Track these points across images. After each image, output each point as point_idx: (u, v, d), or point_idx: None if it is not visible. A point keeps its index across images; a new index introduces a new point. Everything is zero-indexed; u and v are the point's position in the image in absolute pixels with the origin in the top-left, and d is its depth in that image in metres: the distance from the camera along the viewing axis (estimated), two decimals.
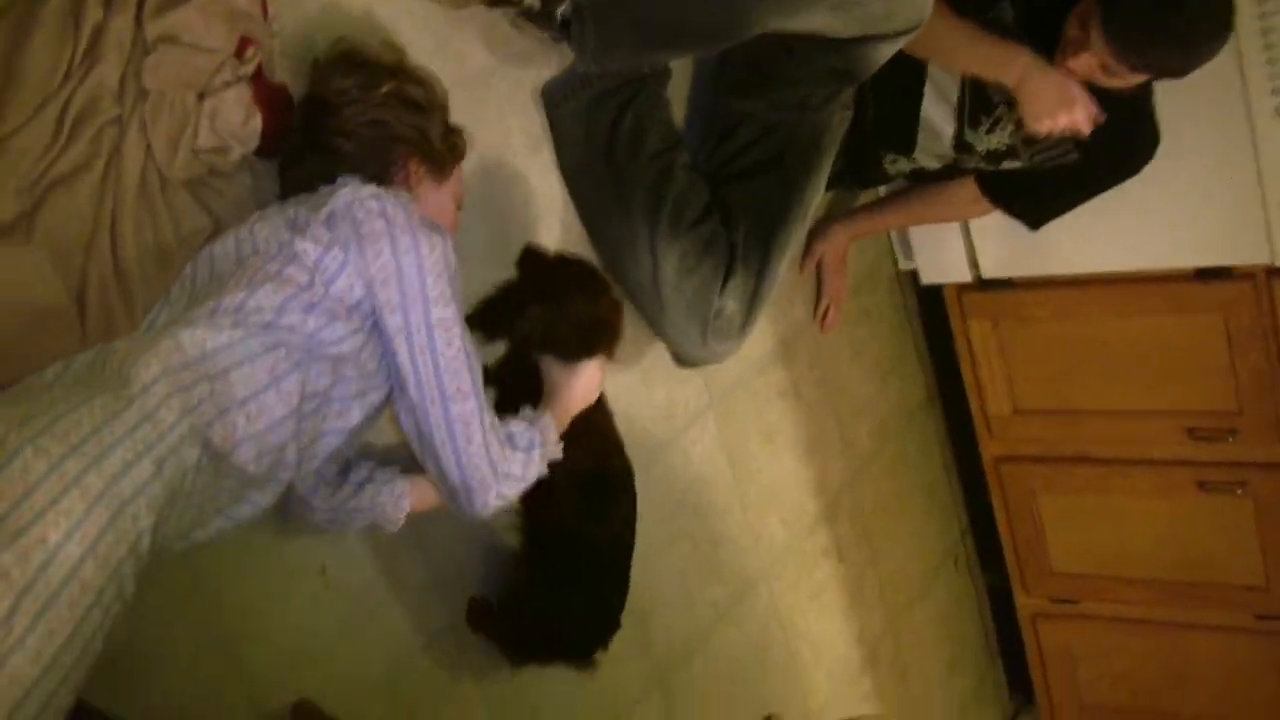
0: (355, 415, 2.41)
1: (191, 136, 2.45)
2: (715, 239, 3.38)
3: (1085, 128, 3.22)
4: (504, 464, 2.47)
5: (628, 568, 3.23)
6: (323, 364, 2.29)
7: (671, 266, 3.27)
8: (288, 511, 2.64)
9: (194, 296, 2.34)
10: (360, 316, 2.34)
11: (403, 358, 2.36)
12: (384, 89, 2.53)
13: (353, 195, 2.35)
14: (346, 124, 2.52)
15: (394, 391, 2.45)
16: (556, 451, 2.70)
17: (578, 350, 2.90)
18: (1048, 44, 3.25)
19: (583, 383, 2.89)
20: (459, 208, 2.77)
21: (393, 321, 2.34)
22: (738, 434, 3.93)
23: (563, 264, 3.10)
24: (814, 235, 4.15)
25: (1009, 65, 3.24)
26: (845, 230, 4.12)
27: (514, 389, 2.92)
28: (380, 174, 2.53)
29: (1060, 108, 3.19)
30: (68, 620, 1.84)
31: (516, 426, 2.60)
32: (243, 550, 2.74)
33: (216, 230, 2.55)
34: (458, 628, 3.18)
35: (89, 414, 1.96)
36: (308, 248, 2.29)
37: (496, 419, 2.51)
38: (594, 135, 3.28)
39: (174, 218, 2.49)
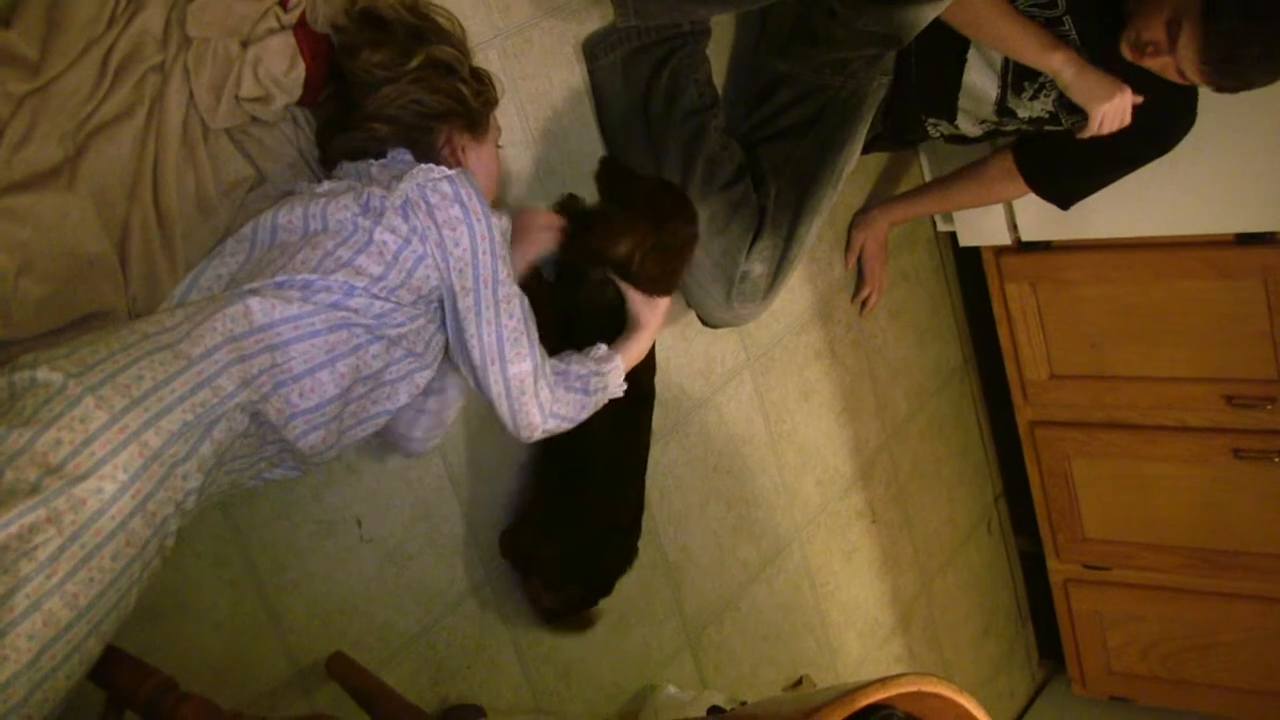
0: (402, 397, 2.43)
1: (235, 84, 2.45)
2: (745, 201, 3.37)
3: (1129, 119, 3.20)
4: (554, 405, 2.55)
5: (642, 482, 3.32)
6: (379, 345, 2.31)
7: (700, 226, 3.26)
8: (406, 449, 2.76)
9: (253, 259, 2.36)
10: (426, 303, 2.40)
11: (470, 333, 2.43)
12: (414, 63, 2.52)
13: (425, 179, 2.36)
14: (385, 108, 2.52)
15: (454, 353, 2.50)
16: (618, 390, 2.75)
17: (668, 281, 2.96)
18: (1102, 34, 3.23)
19: (660, 318, 2.95)
20: (499, 147, 2.78)
21: (465, 303, 2.41)
22: (774, 393, 3.93)
23: (659, 186, 3.09)
24: (854, 225, 4.16)
25: (1050, 54, 3.21)
26: (885, 217, 4.12)
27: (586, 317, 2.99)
28: (426, 150, 2.56)
29: (1108, 102, 3.17)
30: (109, 571, 1.85)
31: (577, 367, 2.65)
32: (279, 504, 2.76)
33: (259, 180, 2.55)
34: (494, 583, 3.18)
35: (150, 369, 1.97)
36: (387, 240, 2.32)
37: (550, 365, 2.56)
38: (631, 90, 3.27)
39: (216, 166, 2.49)
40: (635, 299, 2.93)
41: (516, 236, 2.79)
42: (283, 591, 2.80)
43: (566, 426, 2.60)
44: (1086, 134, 3.27)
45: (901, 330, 4.43)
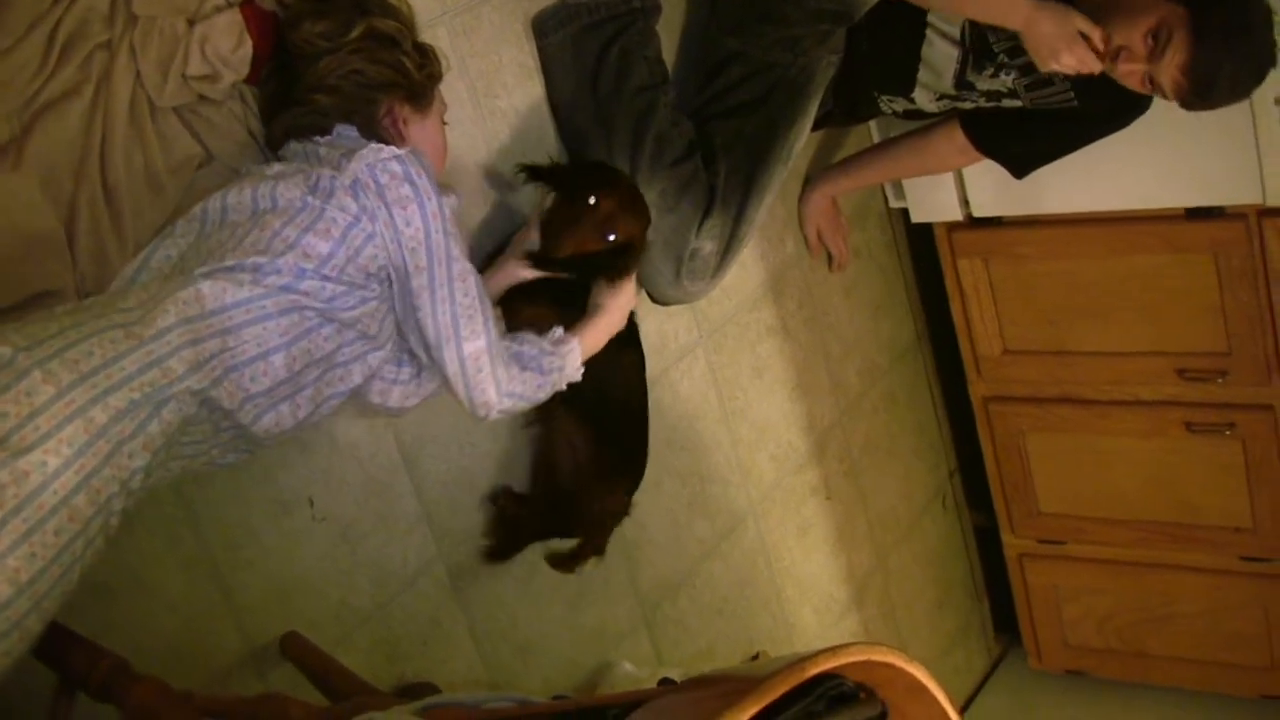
0: (356, 377, 2.44)
1: (182, 63, 2.44)
2: (695, 179, 3.37)
3: (1094, 67, 3.19)
4: (510, 384, 2.57)
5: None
6: (331, 328, 2.30)
7: (650, 203, 3.27)
8: (379, 412, 2.74)
9: (203, 240, 2.34)
10: (378, 282, 2.39)
11: (424, 312, 2.44)
12: (355, 33, 2.51)
13: (374, 159, 2.37)
14: (326, 78, 2.52)
15: (406, 333, 2.51)
16: (576, 375, 2.77)
17: (624, 270, 2.98)
18: None
19: (622, 303, 2.98)
20: (445, 124, 2.78)
21: (418, 282, 2.42)
22: (727, 369, 3.93)
23: (609, 177, 3.10)
24: (802, 204, 4.15)
25: (1013, 9, 3.21)
26: (829, 190, 4.12)
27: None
28: (367, 122, 2.57)
29: (1066, 46, 3.17)
30: (51, 546, 1.84)
31: (529, 347, 2.66)
32: (232, 484, 2.75)
33: (207, 158, 2.55)
34: (447, 560, 3.19)
35: (100, 346, 1.97)
36: (336, 218, 2.32)
37: (504, 344, 2.58)
38: (581, 67, 3.27)
39: (164, 145, 2.48)
40: (598, 287, 2.95)
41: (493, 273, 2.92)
42: (236, 571, 2.79)
43: (523, 406, 2.63)
44: (1049, 68, 3.25)
45: (854, 306, 4.44)
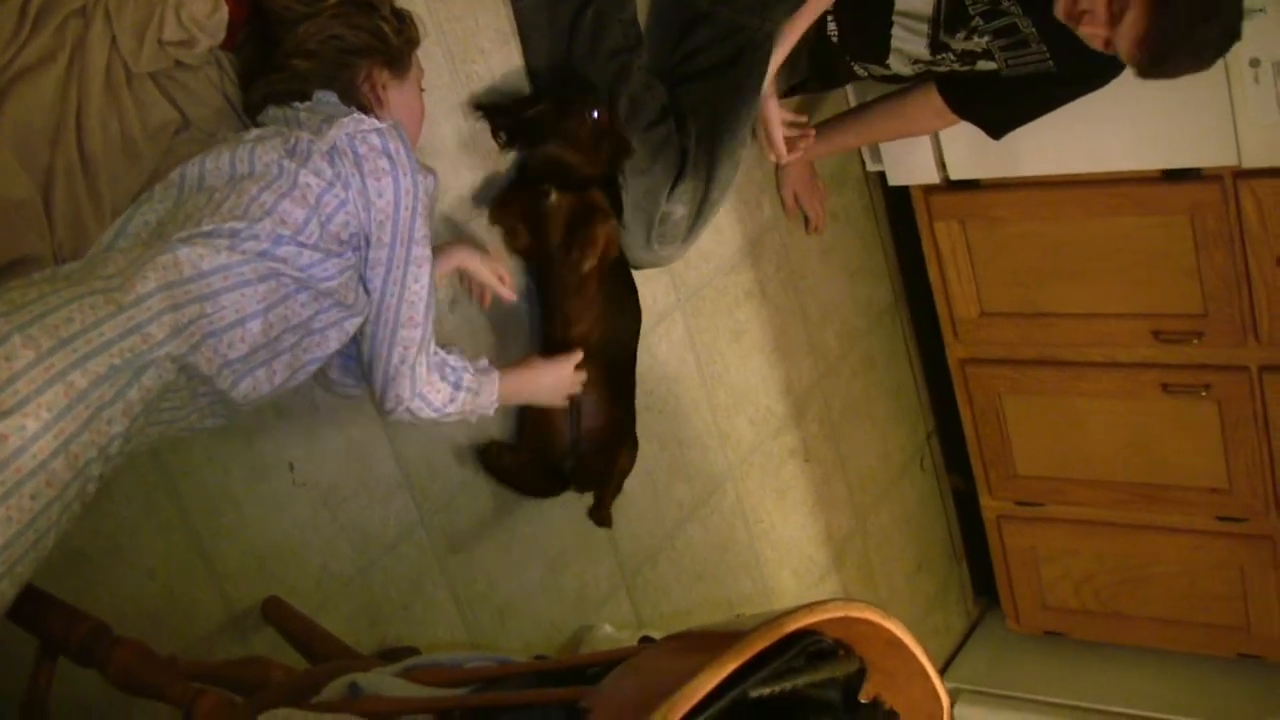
0: (333, 343, 2.43)
1: (157, 28, 2.42)
2: (668, 142, 3.38)
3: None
4: (425, 389, 2.55)
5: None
6: (307, 294, 2.30)
7: (623, 168, 3.27)
8: (329, 388, 2.74)
9: (181, 205, 2.34)
10: (351, 250, 2.39)
11: (374, 285, 2.45)
12: None
13: (355, 129, 2.38)
14: (303, 43, 2.52)
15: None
16: (487, 410, 2.75)
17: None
18: None
19: (552, 376, 3.08)
20: (422, 90, 2.78)
21: (376, 254, 2.42)
22: (705, 334, 3.94)
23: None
24: (778, 172, 4.15)
25: None
26: (806, 154, 4.11)
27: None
28: (346, 88, 2.57)
29: None
30: (27, 510, 1.84)
31: (455, 360, 2.65)
32: (210, 449, 2.75)
33: (184, 124, 2.54)
34: (428, 525, 3.19)
35: (79, 312, 1.97)
36: (310, 183, 2.32)
37: (437, 348, 2.59)
38: (556, 30, 3.26)
39: (140, 111, 2.47)
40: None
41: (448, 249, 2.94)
42: (216, 536, 2.80)
43: (425, 415, 2.60)
44: None
45: (832, 270, 4.45)
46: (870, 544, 4.82)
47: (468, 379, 2.65)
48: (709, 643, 1.49)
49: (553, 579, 3.54)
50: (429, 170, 2.53)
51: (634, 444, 3.50)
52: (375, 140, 2.37)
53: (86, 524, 2.09)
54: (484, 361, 2.78)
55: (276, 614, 2.85)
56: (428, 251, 2.48)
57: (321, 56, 2.52)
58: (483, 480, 3.34)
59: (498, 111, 3.15)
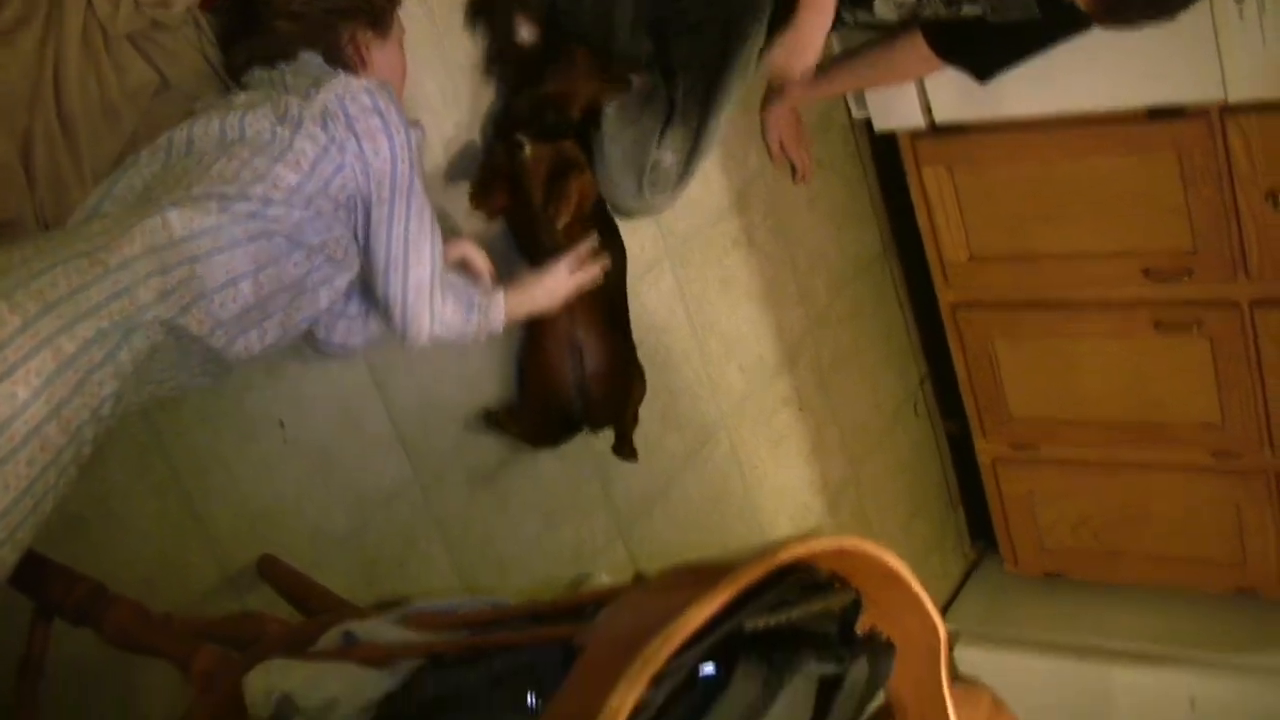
0: (323, 301, 2.43)
1: None
2: (655, 92, 3.38)
3: None
4: (442, 313, 2.60)
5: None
6: (300, 253, 2.30)
7: (610, 117, 3.27)
8: (319, 348, 2.74)
9: (169, 170, 2.32)
10: (346, 210, 2.39)
11: (379, 240, 2.46)
12: None
13: (344, 90, 2.37)
14: (288, 4, 2.52)
15: (359, 253, 2.49)
16: (497, 326, 2.79)
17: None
18: None
19: (549, 285, 3.02)
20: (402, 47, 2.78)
21: (379, 213, 2.43)
22: (694, 283, 3.93)
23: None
24: (764, 116, 4.14)
25: None
26: (791, 102, 4.09)
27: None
28: (330, 49, 2.56)
29: None
30: (24, 477, 1.84)
31: (463, 283, 2.71)
32: (201, 409, 2.75)
33: (164, 85, 2.53)
34: (422, 481, 3.19)
35: (65, 276, 1.96)
36: (305, 148, 2.31)
37: (447, 273, 2.62)
38: None
39: (119, 73, 2.46)
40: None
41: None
42: (208, 497, 2.80)
43: (449, 338, 2.66)
44: None
45: (820, 217, 4.44)
46: (865, 491, 4.82)
47: (479, 298, 2.70)
48: (701, 576, 1.49)
49: (549, 533, 3.54)
50: (416, 123, 2.52)
51: (641, 372, 3.54)
52: (366, 100, 2.36)
53: (79, 487, 2.07)
54: (487, 281, 2.87)
55: (272, 571, 2.85)
56: (425, 197, 2.50)
57: (306, 18, 2.52)
58: (476, 436, 3.34)
59: (495, 32, 3.16)
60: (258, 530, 2.89)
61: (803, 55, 3.42)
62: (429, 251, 2.51)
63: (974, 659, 4.88)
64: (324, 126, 2.33)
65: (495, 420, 3.36)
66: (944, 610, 5.22)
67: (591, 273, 3.11)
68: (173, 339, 2.12)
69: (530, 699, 1.70)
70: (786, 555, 1.52)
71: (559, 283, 3.04)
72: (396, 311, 2.54)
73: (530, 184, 3.15)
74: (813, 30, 3.37)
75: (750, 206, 4.11)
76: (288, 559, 2.89)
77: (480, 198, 3.22)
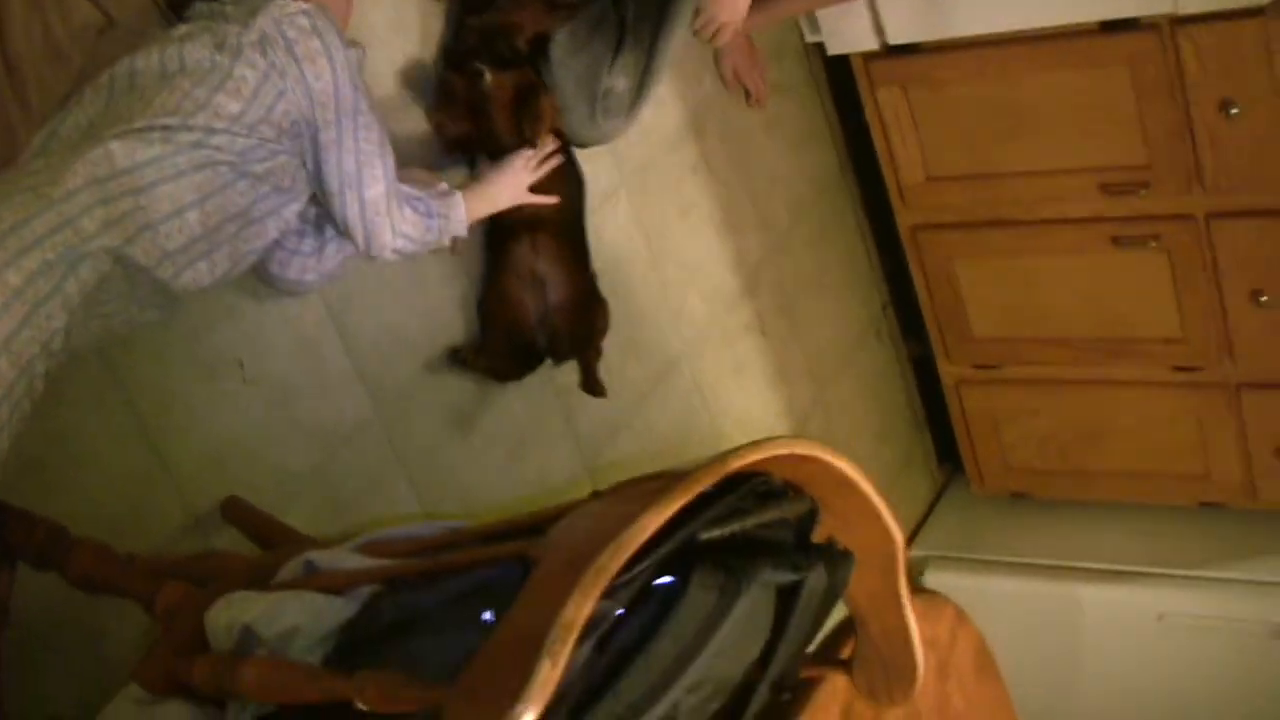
0: (272, 231, 2.43)
1: None
2: (605, 17, 3.35)
3: None
4: (403, 225, 2.62)
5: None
6: (245, 182, 2.29)
7: (560, 44, 3.25)
8: (272, 283, 2.77)
9: (112, 105, 2.31)
10: (290, 138, 2.39)
11: (330, 163, 2.46)
12: None
13: (280, 14, 2.36)
14: None
15: (310, 180, 2.50)
16: (460, 229, 2.83)
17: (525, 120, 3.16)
18: None
19: (508, 179, 3.07)
20: None
21: (327, 135, 2.43)
22: (652, 210, 3.92)
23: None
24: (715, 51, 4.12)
25: None
26: (744, 27, 4.07)
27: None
28: None
29: None
30: None
31: (419, 192, 2.71)
32: (157, 349, 2.74)
33: (108, 23, 2.51)
34: (383, 416, 3.19)
35: (8, 210, 1.96)
36: (245, 75, 2.30)
37: (401, 188, 2.63)
38: None
39: (63, 13, 2.45)
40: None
41: None
42: (169, 437, 2.79)
43: (412, 249, 2.68)
44: None
45: (776, 142, 4.42)
46: (831, 415, 4.83)
47: (436, 205, 2.72)
48: (654, 486, 1.50)
49: (514, 465, 3.54)
50: (356, 43, 2.53)
51: (604, 303, 3.53)
52: (304, 21, 2.36)
53: (37, 429, 2.08)
54: (443, 185, 2.86)
55: (236, 513, 2.84)
56: (372, 114, 2.51)
57: None
58: (438, 370, 3.34)
59: None
60: (221, 469, 2.88)
61: (734, 5, 3.43)
62: (381, 168, 2.53)
63: (944, 582, 4.90)
64: (263, 52, 2.32)
65: (459, 357, 3.35)
66: (913, 534, 5.24)
67: (552, 164, 3.13)
68: (120, 270, 2.12)
69: (488, 615, 1.71)
70: (739, 462, 1.53)
71: (520, 176, 3.07)
72: (357, 231, 2.55)
73: (494, 110, 3.14)
74: None
75: (706, 132, 4.10)
76: (252, 499, 2.89)
77: (443, 126, 3.21)
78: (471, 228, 2.93)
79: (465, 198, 2.86)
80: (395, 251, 2.63)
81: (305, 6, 2.38)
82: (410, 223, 2.62)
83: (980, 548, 5.13)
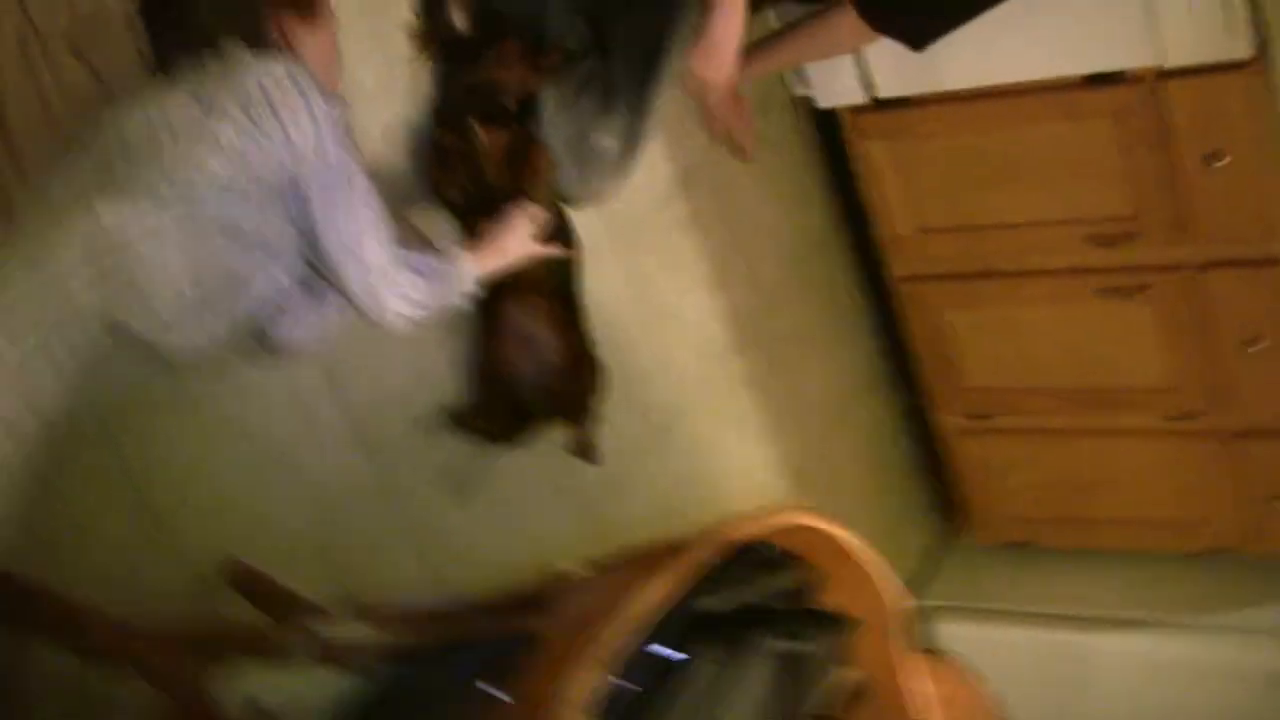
0: (262, 289, 2.45)
1: None
2: (593, 76, 3.38)
3: None
4: (404, 288, 2.57)
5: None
6: (233, 242, 2.30)
7: (548, 103, 3.27)
8: (272, 348, 2.75)
9: (99, 166, 2.32)
10: (278, 196, 2.38)
11: (326, 230, 2.44)
12: None
13: (263, 72, 2.37)
14: None
15: (306, 248, 2.49)
16: (468, 284, 2.79)
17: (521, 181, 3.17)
18: None
19: (513, 241, 3.02)
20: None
21: (316, 196, 2.41)
22: (644, 267, 3.95)
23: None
24: (703, 101, 4.12)
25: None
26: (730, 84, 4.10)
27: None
28: (253, 36, 2.53)
29: None
30: None
31: (423, 255, 2.69)
32: (153, 413, 2.75)
33: (99, 83, 2.54)
34: (381, 477, 3.20)
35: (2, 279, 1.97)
36: (229, 132, 2.31)
37: (402, 252, 2.59)
38: None
39: (55, 74, 2.49)
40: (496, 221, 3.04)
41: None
42: (167, 500, 2.81)
43: (421, 314, 2.63)
44: None
45: (766, 196, 4.43)
46: (829, 468, 4.82)
47: (436, 264, 2.69)
48: (653, 558, 1.51)
49: (512, 525, 3.54)
50: (339, 98, 2.53)
51: (597, 363, 3.54)
52: (286, 81, 2.37)
53: (36, 492, 2.09)
54: (443, 243, 2.89)
55: (237, 575, 2.85)
56: (361, 174, 2.49)
57: (224, 5, 2.51)
58: (434, 431, 3.35)
59: (428, 19, 3.19)
60: (220, 531, 2.89)
61: (720, 62, 3.47)
62: (378, 233, 2.51)
63: (952, 633, 4.91)
64: (246, 110, 2.32)
65: (455, 418, 3.36)
66: (916, 585, 5.23)
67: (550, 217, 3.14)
68: (112, 333, 2.13)
69: (489, 690, 1.72)
70: (737, 534, 1.54)
71: (525, 227, 3.04)
72: (360, 300, 2.53)
73: (489, 166, 3.15)
74: (726, 34, 3.41)
75: (696, 188, 4.12)
76: (252, 560, 2.89)
77: (439, 185, 3.23)
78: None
79: (476, 253, 2.86)
80: (399, 315, 2.59)
81: (287, 65, 2.39)
82: (412, 285, 2.59)
83: (985, 596, 5.11)
